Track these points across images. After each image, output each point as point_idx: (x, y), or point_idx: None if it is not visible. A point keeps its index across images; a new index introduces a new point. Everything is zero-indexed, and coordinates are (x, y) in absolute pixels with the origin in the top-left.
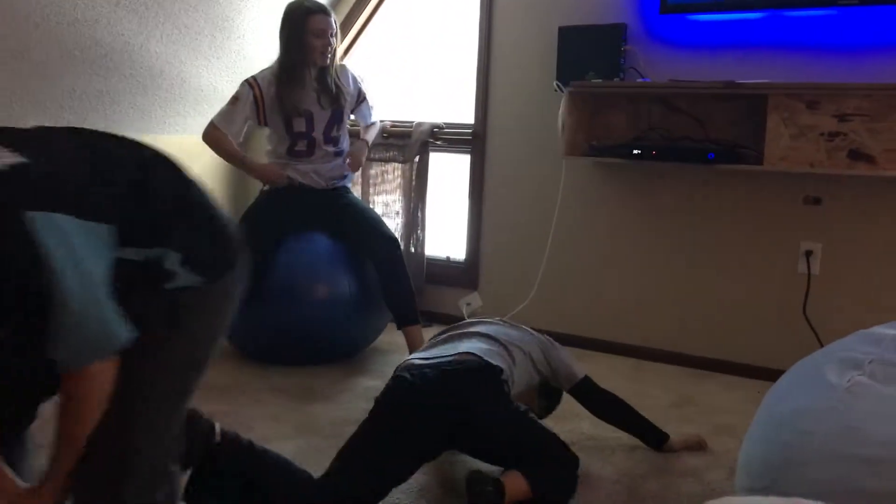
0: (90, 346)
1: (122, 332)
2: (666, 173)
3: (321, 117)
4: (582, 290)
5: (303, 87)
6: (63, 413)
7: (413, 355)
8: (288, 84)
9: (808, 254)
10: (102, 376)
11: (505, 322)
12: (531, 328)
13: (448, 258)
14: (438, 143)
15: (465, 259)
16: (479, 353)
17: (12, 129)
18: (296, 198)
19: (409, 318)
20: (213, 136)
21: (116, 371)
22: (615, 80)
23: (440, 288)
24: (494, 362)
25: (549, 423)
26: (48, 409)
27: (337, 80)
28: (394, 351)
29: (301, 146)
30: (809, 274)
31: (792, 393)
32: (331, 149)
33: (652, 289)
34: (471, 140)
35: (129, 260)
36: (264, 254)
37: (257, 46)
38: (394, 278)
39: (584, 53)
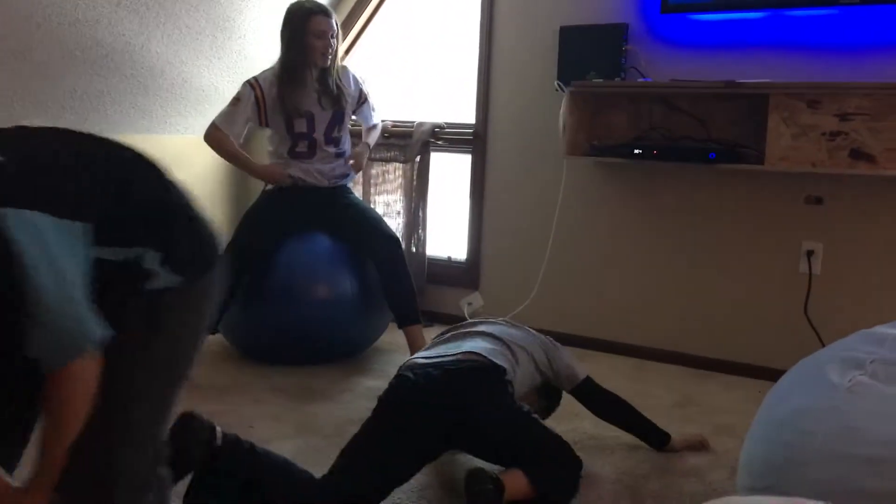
0: (65, 344)
1: (98, 330)
2: (667, 173)
3: (322, 118)
4: (583, 289)
5: (304, 87)
6: (46, 413)
7: (417, 354)
8: (289, 85)
9: (810, 253)
10: (84, 376)
11: (508, 322)
12: (532, 328)
13: (449, 258)
14: (439, 142)
15: (466, 259)
16: (483, 353)
17: None
18: (297, 198)
19: (410, 317)
20: (215, 137)
21: (100, 372)
22: (616, 79)
23: (441, 288)
24: (499, 362)
25: (549, 423)
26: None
27: (338, 81)
28: (395, 351)
29: (302, 147)
30: (811, 274)
31: (793, 393)
32: (332, 149)
33: (653, 289)
34: (472, 140)
35: (108, 260)
36: (265, 253)
37: (258, 46)
38: (395, 278)
39: (585, 53)
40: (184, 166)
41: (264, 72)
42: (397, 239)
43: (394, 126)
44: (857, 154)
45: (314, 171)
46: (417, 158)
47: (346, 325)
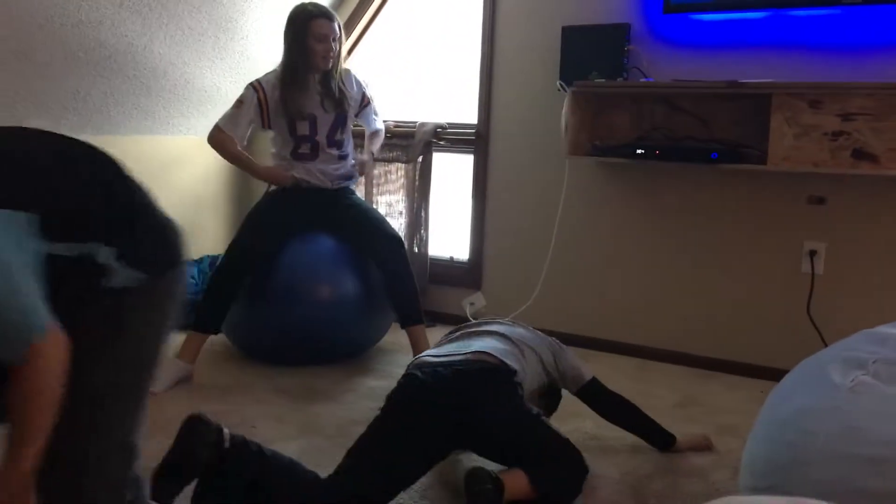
0: (10, 337)
1: (45, 321)
2: (669, 173)
3: (325, 121)
4: (585, 289)
5: (306, 90)
6: (10, 410)
7: (425, 353)
8: (291, 87)
9: (812, 253)
10: (44, 370)
11: (516, 322)
12: (536, 329)
13: (451, 258)
14: (442, 143)
15: (469, 259)
16: (494, 353)
17: None
18: (300, 198)
19: (412, 317)
20: (218, 139)
21: (63, 366)
22: (618, 79)
23: (443, 288)
24: (510, 363)
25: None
26: None
27: (341, 84)
28: (398, 351)
29: (305, 149)
30: (813, 273)
31: (796, 392)
32: (334, 152)
33: (656, 289)
34: (474, 140)
35: (61, 255)
36: (268, 254)
37: (261, 47)
38: (398, 278)
39: (587, 53)
40: (186, 167)
41: (267, 74)
42: (400, 239)
43: (396, 126)
44: (860, 154)
45: (317, 172)
46: (420, 159)
47: (349, 326)
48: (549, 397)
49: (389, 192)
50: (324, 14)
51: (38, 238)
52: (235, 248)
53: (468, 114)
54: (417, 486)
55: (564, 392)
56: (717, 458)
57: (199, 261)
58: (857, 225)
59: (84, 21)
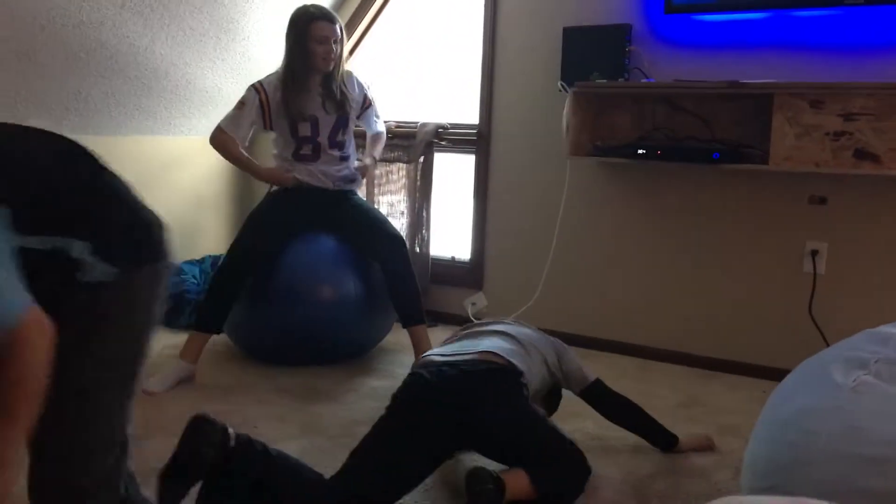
0: None
1: (22, 301)
2: (671, 173)
3: (326, 122)
4: (587, 290)
5: (307, 92)
6: None
7: (431, 352)
8: (293, 89)
9: (814, 253)
10: (26, 355)
11: (522, 322)
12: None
13: (453, 258)
14: (443, 143)
15: (470, 259)
16: (501, 353)
17: None
18: (302, 199)
19: (414, 317)
20: (220, 140)
21: (47, 354)
22: (620, 80)
23: (445, 288)
24: (517, 363)
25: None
26: None
27: (343, 86)
28: (400, 351)
29: (306, 150)
30: (815, 273)
31: (797, 392)
32: (336, 153)
33: (657, 289)
34: (475, 140)
35: (34, 249)
36: (270, 255)
37: (262, 48)
38: (399, 278)
39: (588, 54)
40: (187, 167)
41: (269, 76)
42: (402, 239)
43: (397, 127)
44: (862, 154)
45: (318, 173)
46: (421, 159)
47: (351, 326)
48: (550, 398)
49: (391, 193)
50: (325, 16)
51: (9, 231)
52: (237, 248)
53: (469, 114)
54: (420, 485)
55: (565, 392)
56: (719, 459)
57: (201, 261)
58: (858, 225)
59: (85, 22)
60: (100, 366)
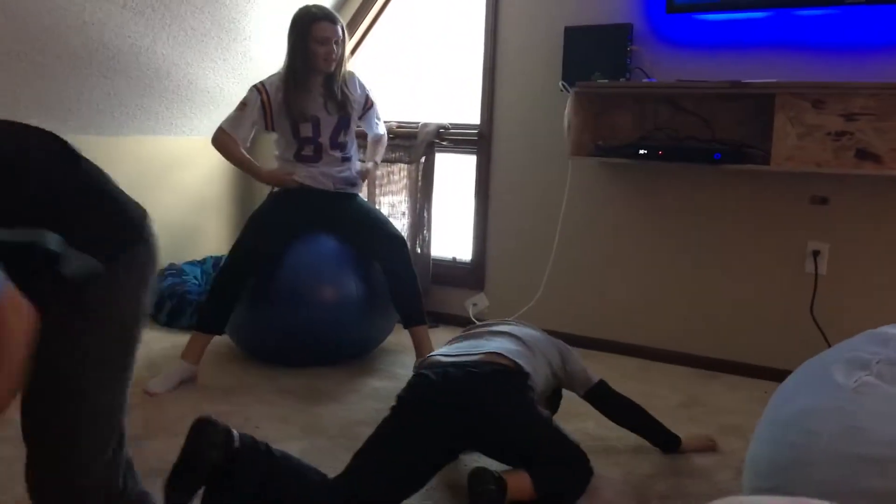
0: None
1: None
2: (672, 173)
3: (328, 123)
4: (588, 290)
5: (308, 92)
6: None
7: (437, 351)
8: (294, 90)
9: (816, 254)
10: (5, 336)
11: (526, 324)
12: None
13: (454, 259)
14: (444, 143)
15: (472, 259)
16: (508, 355)
17: None
18: (303, 200)
19: (415, 318)
20: (222, 141)
21: (26, 336)
22: (621, 80)
23: (446, 289)
24: (523, 364)
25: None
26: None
27: (344, 87)
28: (401, 352)
29: (308, 151)
30: (816, 274)
31: (799, 393)
32: (338, 154)
33: (658, 289)
34: (477, 141)
35: (7, 241)
36: (272, 256)
37: (263, 48)
38: (400, 278)
39: (589, 54)
40: (189, 168)
41: (271, 76)
42: (402, 239)
43: (398, 127)
44: (863, 154)
45: (319, 176)
46: (422, 159)
47: (352, 327)
48: (552, 398)
49: (392, 193)
50: (326, 17)
51: None
52: (239, 249)
53: (471, 114)
54: (423, 486)
55: (567, 393)
56: (721, 459)
57: (203, 262)
58: (860, 225)
59: (87, 22)
60: (92, 359)
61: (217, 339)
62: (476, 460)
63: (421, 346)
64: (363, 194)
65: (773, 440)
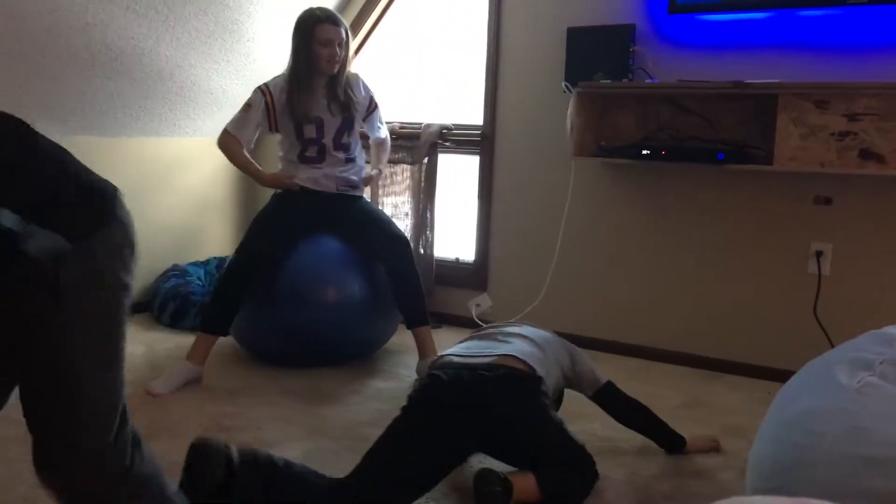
0: None
1: None
2: (675, 174)
3: (331, 124)
4: (591, 290)
5: (312, 94)
6: None
7: (450, 351)
8: (298, 91)
9: (819, 254)
10: None
11: (537, 326)
12: None
13: (457, 259)
14: (447, 144)
15: (475, 260)
16: (523, 357)
17: None
18: (307, 201)
19: (418, 318)
20: (227, 143)
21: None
22: (624, 80)
23: (449, 289)
24: (537, 368)
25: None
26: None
27: (348, 88)
28: (404, 352)
29: (311, 152)
30: (820, 274)
31: (802, 393)
32: (341, 155)
33: (661, 289)
34: (479, 141)
35: None
36: (275, 258)
37: (266, 49)
38: (403, 279)
39: (592, 54)
40: (192, 169)
41: (275, 78)
42: (405, 239)
43: (401, 128)
44: (867, 154)
45: (322, 178)
46: (425, 160)
47: (356, 328)
48: (557, 399)
49: (395, 194)
50: (330, 19)
51: None
52: (244, 251)
53: (474, 115)
54: (433, 488)
55: (573, 393)
56: (724, 459)
57: (206, 262)
58: (863, 225)
59: (90, 24)
60: (80, 346)
61: (221, 340)
62: (481, 461)
63: (424, 347)
64: (367, 195)
65: (776, 440)
